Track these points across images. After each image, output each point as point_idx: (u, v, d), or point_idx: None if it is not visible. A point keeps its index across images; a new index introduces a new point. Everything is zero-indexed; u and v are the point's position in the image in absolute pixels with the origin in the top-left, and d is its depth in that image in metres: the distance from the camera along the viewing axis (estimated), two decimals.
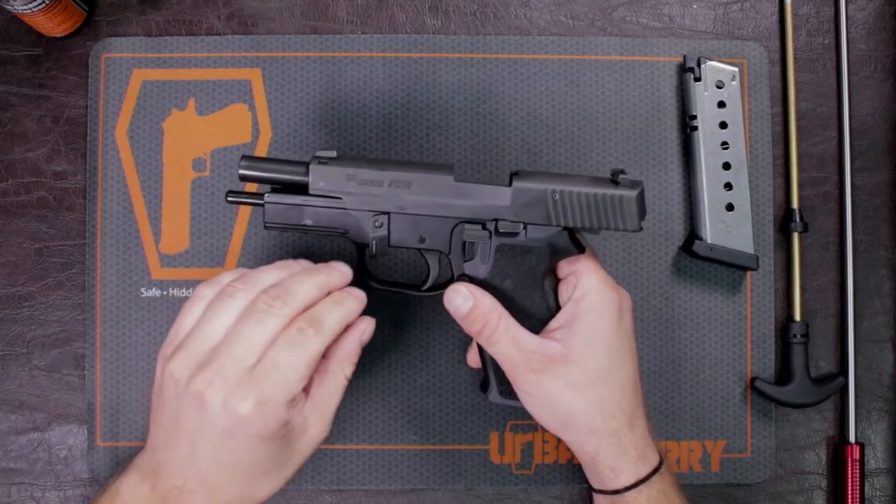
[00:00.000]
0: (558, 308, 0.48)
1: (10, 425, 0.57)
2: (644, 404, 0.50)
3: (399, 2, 0.60)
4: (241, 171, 0.47)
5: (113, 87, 0.58)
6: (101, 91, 0.58)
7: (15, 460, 0.57)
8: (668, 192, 0.59)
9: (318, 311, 0.43)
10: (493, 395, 0.51)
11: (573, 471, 0.57)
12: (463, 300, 0.46)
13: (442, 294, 0.48)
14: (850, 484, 0.57)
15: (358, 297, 0.46)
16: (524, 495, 0.58)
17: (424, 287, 0.50)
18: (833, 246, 0.59)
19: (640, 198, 0.46)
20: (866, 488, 0.58)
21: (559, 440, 0.57)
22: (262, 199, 0.47)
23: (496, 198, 0.46)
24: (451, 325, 0.56)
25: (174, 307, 0.57)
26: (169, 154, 0.58)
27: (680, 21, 0.60)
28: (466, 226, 0.47)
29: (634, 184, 0.46)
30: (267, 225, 0.47)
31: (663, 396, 0.58)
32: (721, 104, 0.57)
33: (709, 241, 0.56)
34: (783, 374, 0.58)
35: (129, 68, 0.58)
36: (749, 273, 0.58)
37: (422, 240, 0.47)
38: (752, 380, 0.57)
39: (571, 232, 0.47)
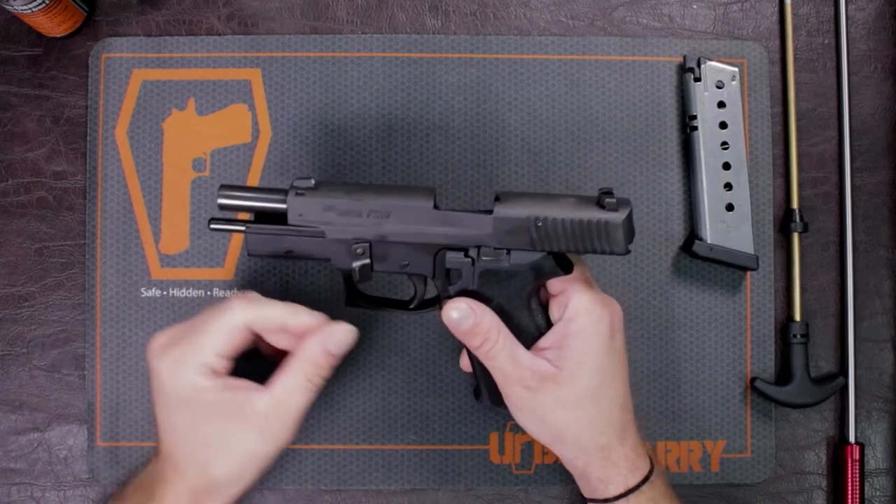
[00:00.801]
0: (548, 325, 0.48)
1: (10, 425, 0.57)
2: (634, 416, 0.50)
3: (399, 2, 0.60)
4: (220, 201, 0.46)
5: (113, 87, 0.58)
6: (101, 91, 0.58)
7: (15, 460, 0.57)
8: (668, 192, 0.59)
9: (259, 296, 0.47)
10: (486, 402, 0.51)
11: None
12: (464, 317, 0.46)
13: (429, 312, 0.49)
14: (850, 484, 0.57)
15: (310, 315, 0.47)
16: (524, 495, 0.58)
17: (411, 306, 0.50)
18: (833, 246, 0.59)
19: (628, 221, 0.44)
20: (866, 488, 0.58)
21: None
22: (243, 226, 0.46)
23: (478, 226, 0.45)
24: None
25: (174, 307, 0.57)
26: (169, 154, 0.58)
27: (680, 21, 0.60)
28: (449, 252, 0.46)
29: (622, 206, 0.44)
30: (250, 253, 0.47)
31: (663, 396, 0.58)
32: (721, 104, 0.57)
33: (709, 241, 0.56)
34: (783, 374, 0.58)
35: (129, 68, 0.58)
36: (749, 273, 0.58)
37: (405, 265, 0.47)
38: (752, 380, 0.57)
39: (556, 254, 0.46)
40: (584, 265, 0.49)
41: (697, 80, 0.57)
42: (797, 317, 0.58)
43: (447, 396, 0.57)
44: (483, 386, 0.51)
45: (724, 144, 0.57)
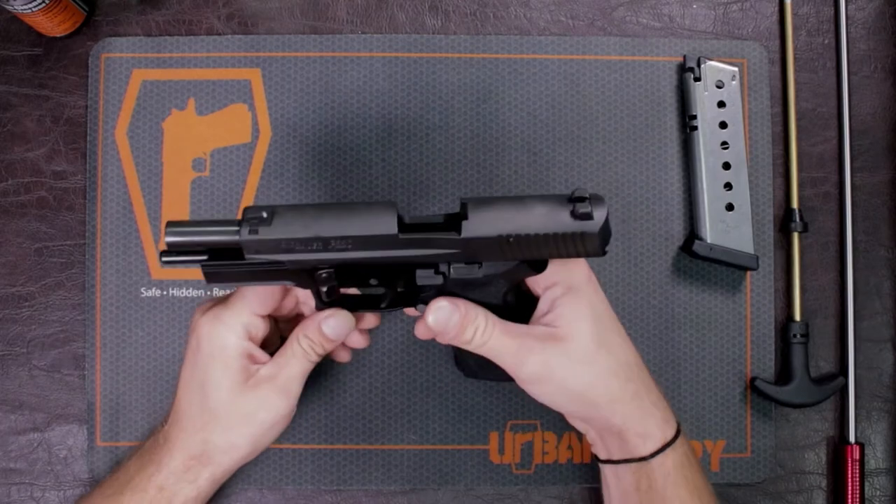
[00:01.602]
0: (529, 309, 0.48)
1: (10, 425, 0.57)
2: (645, 365, 0.50)
3: (399, 2, 0.60)
4: (168, 239, 0.41)
5: (113, 87, 0.58)
6: (101, 91, 0.58)
7: (15, 460, 0.57)
8: (668, 192, 0.59)
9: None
10: (467, 372, 0.51)
11: (573, 471, 0.57)
12: (450, 314, 0.45)
13: (401, 311, 0.48)
14: (850, 484, 0.57)
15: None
16: (524, 495, 0.58)
17: (383, 305, 0.47)
18: (833, 246, 0.59)
19: (604, 227, 0.42)
20: (866, 488, 0.58)
21: (559, 440, 0.57)
22: (198, 264, 0.43)
23: (446, 247, 0.42)
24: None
25: (174, 307, 0.57)
26: (169, 154, 0.58)
27: (680, 21, 0.60)
28: (418, 271, 0.44)
29: (597, 210, 0.41)
30: (209, 282, 0.44)
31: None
32: (721, 104, 0.57)
33: (709, 241, 0.56)
34: (783, 374, 0.58)
35: (129, 68, 0.58)
36: (749, 273, 0.58)
37: (373, 282, 0.45)
38: (752, 380, 0.57)
39: (527, 260, 0.45)
40: None
41: (697, 79, 0.57)
42: (797, 317, 0.58)
43: (447, 396, 0.57)
44: (462, 364, 0.51)
45: (724, 144, 0.57)
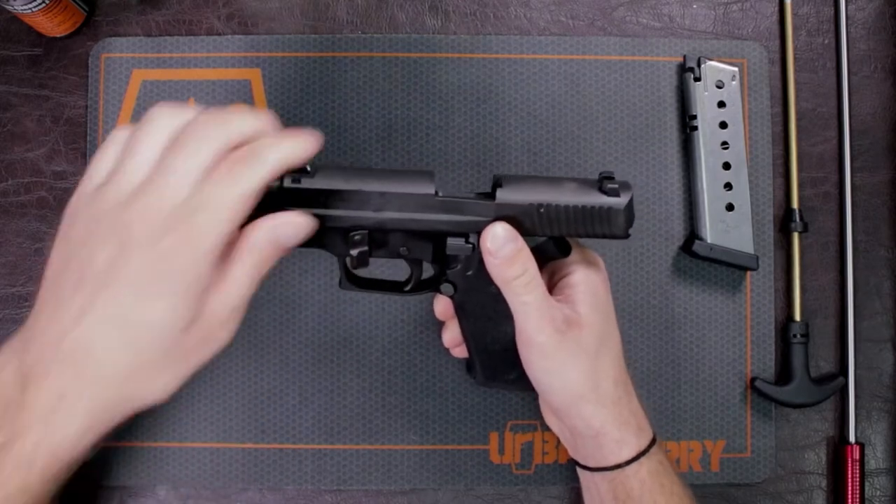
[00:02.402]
0: None
1: None
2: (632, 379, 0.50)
3: (399, 2, 0.60)
4: None
5: (113, 87, 0.58)
6: (101, 91, 0.58)
7: None
8: (668, 192, 0.59)
9: (255, 145, 0.38)
10: (479, 379, 0.51)
11: (573, 471, 0.57)
12: (509, 238, 0.43)
13: (425, 294, 0.48)
14: (850, 484, 0.57)
15: (306, 139, 0.38)
16: (524, 495, 0.58)
17: (407, 288, 0.48)
18: (833, 246, 0.59)
19: (630, 206, 0.44)
20: (866, 488, 0.58)
21: (559, 440, 0.57)
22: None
23: (480, 212, 0.44)
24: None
25: None
26: None
27: (680, 21, 0.60)
28: (450, 239, 0.45)
29: (623, 191, 0.44)
30: None
31: (663, 396, 0.58)
32: (721, 104, 0.57)
33: (709, 241, 0.56)
34: (783, 374, 0.58)
35: (129, 68, 0.58)
36: (749, 273, 0.58)
37: (404, 251, 0.46)
38: (752, 380, 0.57)
39: (556, 237, 0.46)
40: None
41: (697, 79, 0.57)
42: (797, 317, 0.58)
43: (447, 396, 0.57)
44: (477, 362, 0.50)
45: (724, 144, 0.57)
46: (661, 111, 0.59)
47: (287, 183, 0.42)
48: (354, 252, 0.45)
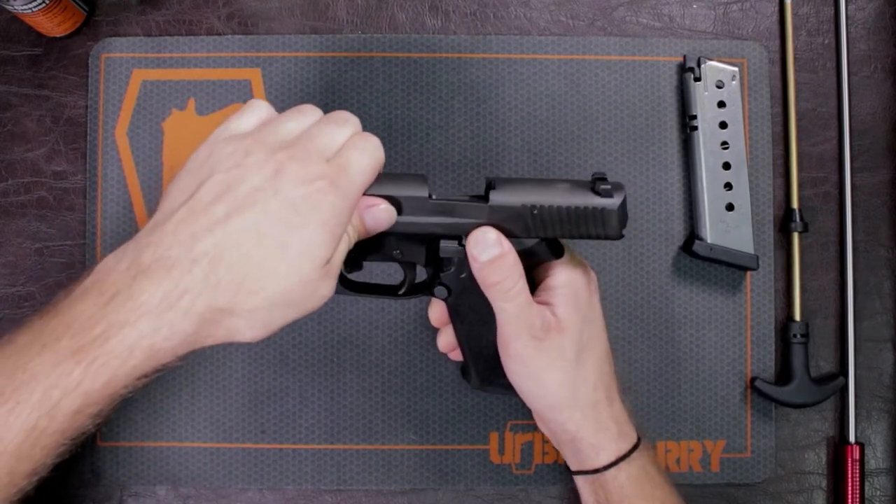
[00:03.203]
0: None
1: None
2: (619, 382, 0.50)
3: (399, 2, 0.60)
4: None
5: (113, 87, 0.58)
6: (101, 91, 0.58)
7: None
8: (668, 192, 0.59)
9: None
10: (474, 382, 0.51)
11: None
12: (493, 244, 0.44)
13: (418, 298, 0.48)
14: (850, 484, 0.57)
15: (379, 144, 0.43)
16: (524, 495, 0.58)
17: (400, 292, 0.48)
18: (833, 246, 0.59)
19: (623, 207, 0.44)
20: (866, 488, 0.58)
21: None
22: None
23: (473, 214, 0.44)
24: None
25: None
26: (169, 154, 0.58)
27: (680, 21, 0.60)
28: (442, 241, 0.45)
29: (616, 191, 0.44)
30: None
31: (663, 396, 0.58)
32: (721, 104, 0.57)
33: (709, 241, 0.56)
34: (783, 374, 0.58)
35: (129, 68, 0.58)
36: (749, 273, 0.58)
37: (397, 254, 0.46)
38: (752, 380, 0.57)
39: (548, 239, 0.46)
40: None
41: (697, 79, 0.57)
42: (797, 317, 0.58)
43: (447, 396, 0.57)
44: (472, 366, 0.50)
45: (724, 144, 0.57)
46: (661, 111, 0.59)
47: None
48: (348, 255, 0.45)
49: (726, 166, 0.57)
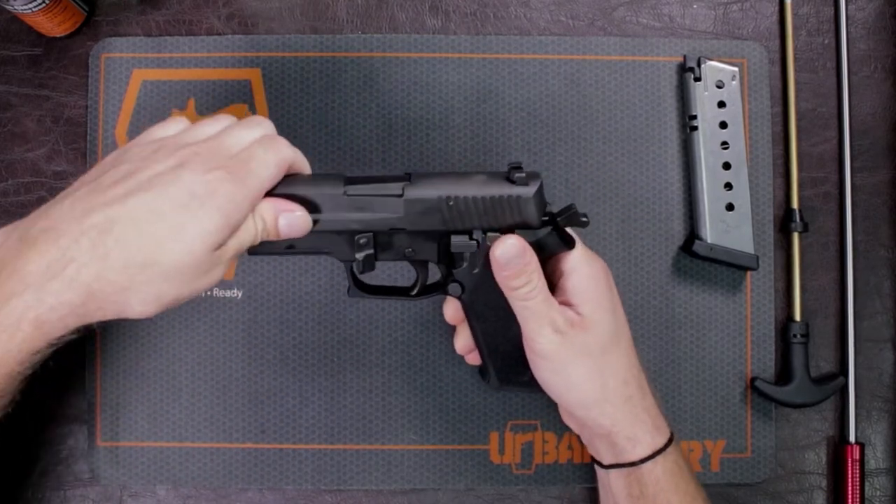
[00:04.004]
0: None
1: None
2: (646, 372, 0.50)
3: (399, 2, 0.60)
4: None
5: (113, 87, 0.58)
6: (101, 91, 0.58)
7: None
8: (668, 192, 0.59)
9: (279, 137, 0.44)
10: (493, 382, 0.51)
11: (573, 471, 0.57)
12: (520, 252, 0.45)
13: (432, 297, 0.49)
14: (850, 484, 0.57)
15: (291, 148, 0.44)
16: (524, 495, 0.58)
17: (413, 292, 0.49)
18: (833, 246, 0.59)
19: (539, 195, 0.44)
20: (866, 488, 0.58)
21: (559, 440, 0.57)
22: None
23: (389, 209, 0.44)
24: (452, 326, 0.56)
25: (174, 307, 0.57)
26: None
27: (680, 21, 0.60)
28: (453, 237, 0.46)
29: (532, 180, 0.44)
30: (250, 252, 0.45)
31: (663, 396, 0.58)
32: (721, 104, 0.57)
33: (709, 240, 0.56)
34: (783, 374, 0.58)
35: (129, 68, 0.58)
36: (749, 273, 0.58)
37: (409, 252, 0.47)
38: (752, 380, 0.57)
39: (560, 230, 0.46)
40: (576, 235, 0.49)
41: (697, 79, 0.57)
42: (797, 317, 0.58)
43: (447, 396, 0.57)
44: (491, 366, 0.50)
45: (724, 144, 0.57)
46: (661, 111, 0.59)
47: (280, 189, 0.43)
48: (360, 256, 0.45)
49: (726, 166, 0.57)
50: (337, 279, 0.57)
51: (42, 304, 0.36)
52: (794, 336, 0.57)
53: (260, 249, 0.45)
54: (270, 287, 0.57)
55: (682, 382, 0.58)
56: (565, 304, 0.47)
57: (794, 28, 0.60)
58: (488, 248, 0.46)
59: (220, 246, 0.39)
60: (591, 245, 0.58)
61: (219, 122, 0.44)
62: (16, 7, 0.53)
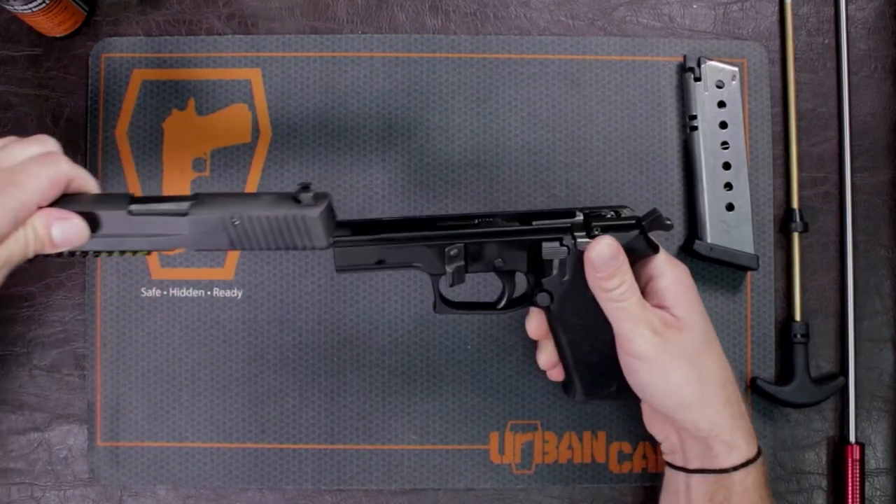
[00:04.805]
0: None
1: (10, 425, 0.57)
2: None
3: (399, 2, 0.60)
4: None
5: (113, 87, 0.58)
6: (101, 91, 0.58)
7: (15, 460, 0.57)
8: (668, 192, 0.59)
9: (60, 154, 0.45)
10: (579, 396, 0.50)
11: (573, 471, 0.57)
12: (614, 253, 0.46)
13: (518, 310, 0.49)
14: (850, 484, 0.57)
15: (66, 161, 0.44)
16: (524, 495, 0.58)
17: (500, 305, 0.49)
18: (833, 246, 0.59)
19: (326, 215, 0.43)
20: (866, 488, 0.58)
21: (559, 440, 0.57)
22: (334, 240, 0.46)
23: (174, 228, 0.43)
24: (451, 326, 0.56)
25: (174, 307, 0.57)
26: (169, 154, 0.58)
27: (680, 21, 0.60)
28: (544, 243, 0.46)
29: (319, 200, 0.43)
30: (338, 269, 0.47)
31: None
32: (721, 104, 0.57)
33: (709, 241, 0.56)
34: (783, 374, 0.58)
35: (129, 68, 0.58)
36: (749, 273, 0.58)
37: (499, 262, 0.47)
38: (753, 380, 0.57)
39: (645, 234, 0.47)
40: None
41: (697, 79, 0.57)
42: (797, 317, 0.58)
43: (447, 396, 0.57)
44: (577, 378, 0.50)
45: (724, 144, 0.57)
46: (661, 111, 0.59)
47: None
48: (451, 268, 0.46)
49: (726, 166, 0.57)
50: (337, 279, 0.57)
51: None
52: (795, 336, 0.57)
53: (347, 266, 0.46)
54: (270, 287, 0.57)
55: None
56: (658, 307, 0.47)
57: (794, 28, 0.60)
58: (579, 253, 0.46)
59: None
60: None
61: (2, 141, 0.44)
62: (16, 7, 0.53)
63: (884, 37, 0.61)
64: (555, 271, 0.47)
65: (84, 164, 0.58)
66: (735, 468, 0.47)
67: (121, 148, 0.58)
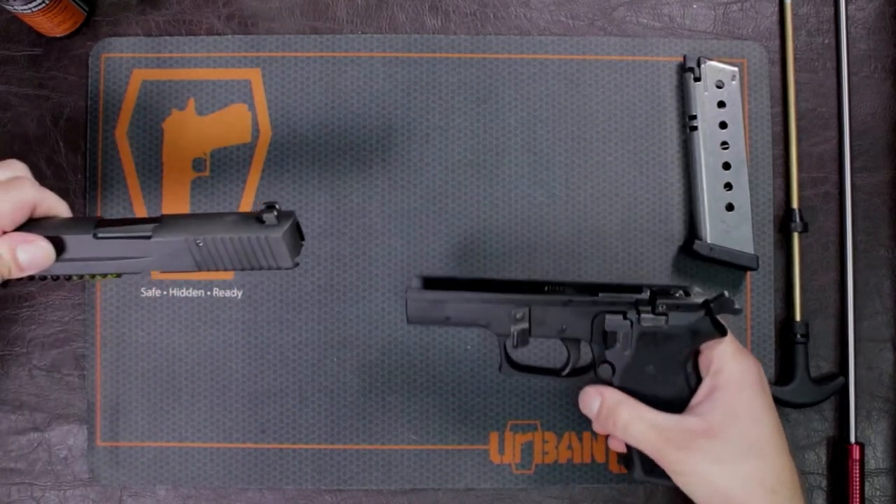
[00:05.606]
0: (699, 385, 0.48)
1: (10, 425, 0.57)
2: (800, 477, 0.48)
3: (399, 2, 0.60)
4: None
5: (113, 87, 0.58)
6: (101, 91, 0.58)
7: (15, 460, 0.57)
8: (668, 192, 0.59)
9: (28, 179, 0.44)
10: (637, 473, 0.50)
11: (573, 471, 0.57)
12: (591, 401, 0.48)
13: (581, 377, 0.50)
14: (850, 484, 0.57)
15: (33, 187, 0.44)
16: (524, 495, 0.58)
17: (564, 372, 0.50)
18: (833, 246, 0.59)
19: (290, 235, 0.43)
20: (866, 488, 0.58)
21: (559, 440, 0.57)
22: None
23: (139, 251, 0.43)
24: (451, 326, 0.56)
25: (174, 307, 0.57)
26: (169, 154, 0.58)
27: (680, 21, 0.60)
28: (608, 316, 0.47)
29: (283, 220, 0.43)
30: (410, 320, 0.48)
31: None
32: (721, 104, 0.57)
33: (709, 241, 0.56)
34: (783, 374, 0.58)
35: (129, 68, 0.58)
36: (749, 273, 0.58)
37: (562, 330, 0.48)
38: None
39: (713, 316, 0.47)
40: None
41: (697, 79, 0.57)
42: (797, 317, 0.58)
43: (447, 396, 0.57)
44: (636, 457, 0.49)
45: (724, 144, 0.57)
46: (661, 111, 0.59)
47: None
48: (515, 330, 0.47)
49: (726, 166, 0.57)
50: (337, 279, 0.57)
51: None
52: (795, 336, 0.57)
53: (418, 318, 0.48)
54: (270, 287, 0.57)
55: None
56: (700, 403, 0.47)
57: (794, 28, 0.60)
58: (642, 329, 0.47)
59: None
60: (591, 244, 0.58)
61: None
62: (16, 7, 0.53)
63: (884, 37, 0.61)
64: (618, 344, 0.48)
65: (84, 164, 0.58)
66: None
67: (121, 148, 0.58)
